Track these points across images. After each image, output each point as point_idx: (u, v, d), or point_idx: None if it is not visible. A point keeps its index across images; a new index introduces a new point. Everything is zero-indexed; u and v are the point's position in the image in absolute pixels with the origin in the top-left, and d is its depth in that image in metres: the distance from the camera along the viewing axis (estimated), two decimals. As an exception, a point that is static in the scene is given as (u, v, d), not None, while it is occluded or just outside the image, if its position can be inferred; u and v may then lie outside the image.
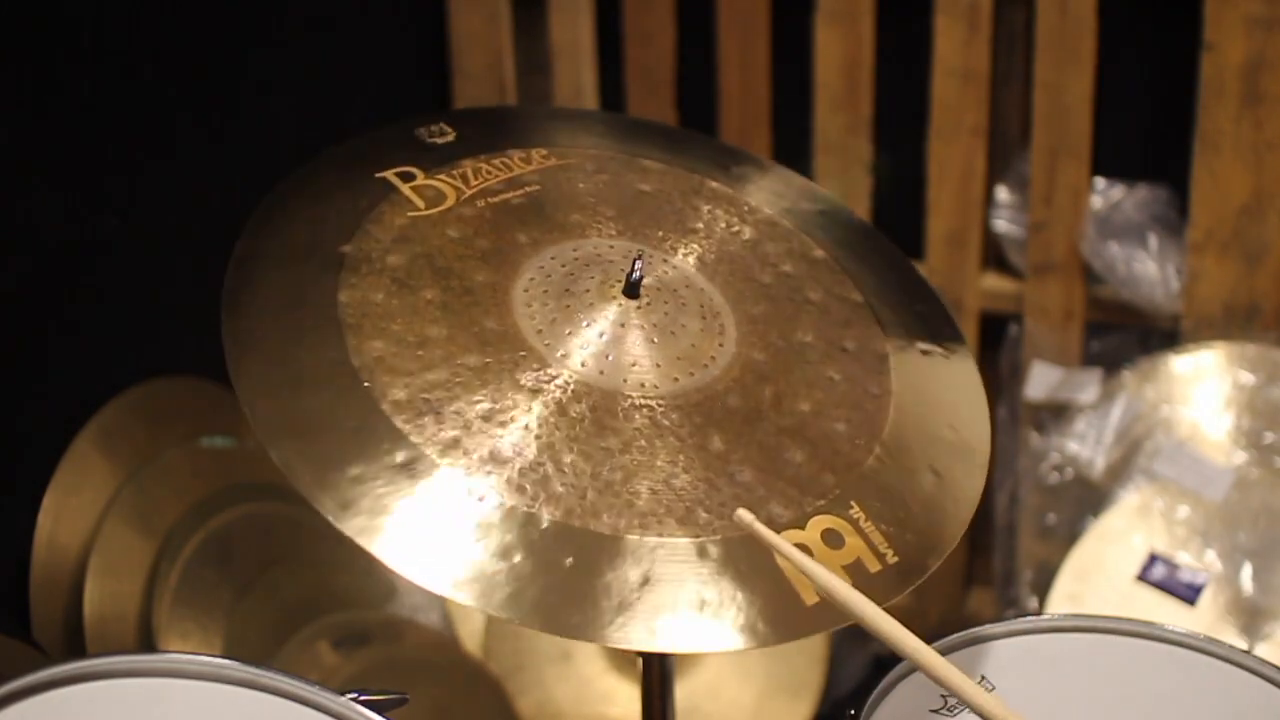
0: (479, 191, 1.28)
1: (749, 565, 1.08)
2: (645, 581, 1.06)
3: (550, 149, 1.34)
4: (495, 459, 1.08)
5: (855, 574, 1.10)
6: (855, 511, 1.13)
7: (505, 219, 1.26)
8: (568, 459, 1.10)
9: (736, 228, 1.33)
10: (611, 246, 1.25)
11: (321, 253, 1.19)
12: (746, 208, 1.35)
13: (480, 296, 1.18)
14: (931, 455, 1.21)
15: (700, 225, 1.31)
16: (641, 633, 1.04)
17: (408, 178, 1.27)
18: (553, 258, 1.23)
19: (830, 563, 1.09)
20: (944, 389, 1.28)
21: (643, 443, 1.12)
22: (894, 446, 1.19)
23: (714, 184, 1.36)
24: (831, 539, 1.11)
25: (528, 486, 1.08)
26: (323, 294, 1.16)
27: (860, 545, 1.11)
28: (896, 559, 1.12)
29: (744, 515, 1.09)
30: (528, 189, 1.29)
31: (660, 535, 1.08)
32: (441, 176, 1.28)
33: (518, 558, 1.05)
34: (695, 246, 1.29)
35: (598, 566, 1.06)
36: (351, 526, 1.04)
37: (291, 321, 1.15)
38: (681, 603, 1.06)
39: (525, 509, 1.07)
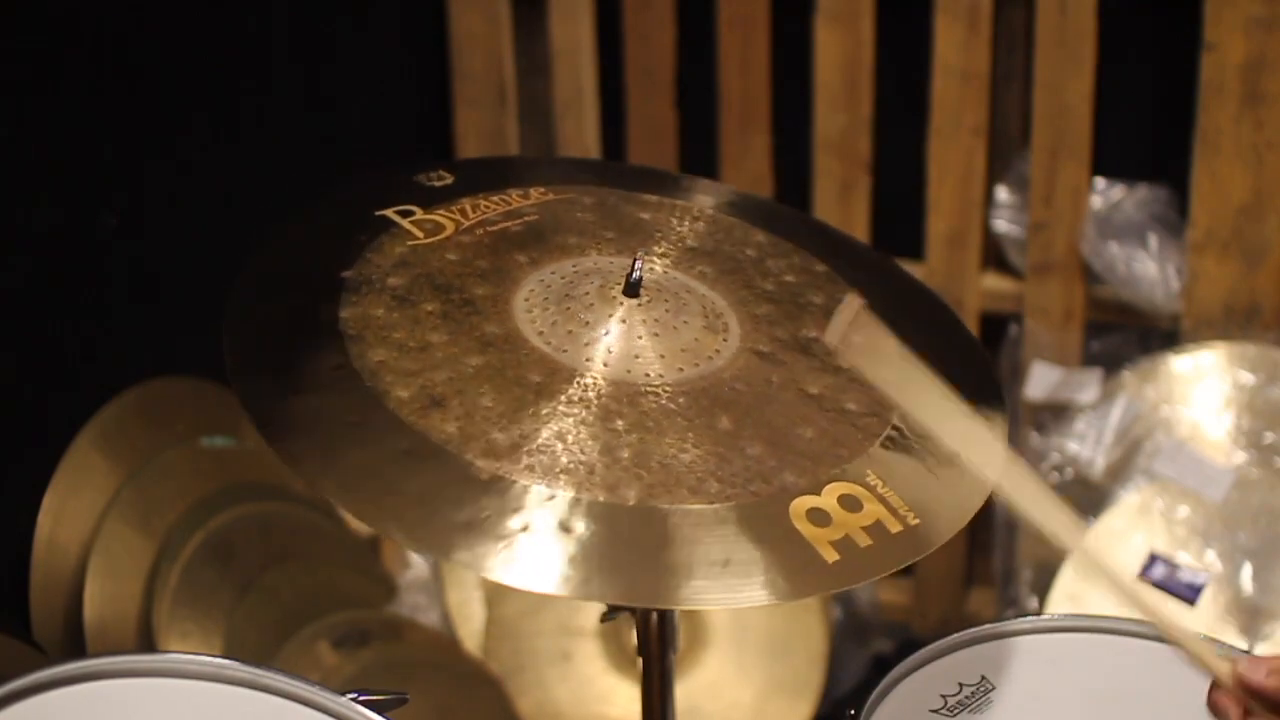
0: (478, 222, 1.29)
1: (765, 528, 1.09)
2: (671, 542, 1.06)
3: (549, 186, 1.35)
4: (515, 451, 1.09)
5: (876, 535, 1.10)
6: (872, 479, 1.14)
7: (504, 244, 1.27)
8: (574, 440, 1.11)
9: (738, 246, 1.33)
10: (611, 262, 1.26)
11: (322, 279, 1.21)
12: (748, 231, 1.36)
13: (481, 306, 1.19)
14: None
15: (698, 244, 1.32)
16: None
17: (407, 214, 1.28)
18: (553, 272, 1.24)
19: (849, 525, 1.10)
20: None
21: (651, 423, 1.13)
22: (909, 425, 1.19)
23: (711, 211, 1.37)
24: (849, 503, 1.11)
25: (538, 467, 1.09)
26: (324, 313, 1.17)
27: (879, 509, 1.12)
28: (918, 521, 1.12)
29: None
30: (526, 219, 1.30)
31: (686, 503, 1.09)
32: (440, 212, 1.29)
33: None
34: (696, 264, 1.29)
35: (628, 534, 1.07)
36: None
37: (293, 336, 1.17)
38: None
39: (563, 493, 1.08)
